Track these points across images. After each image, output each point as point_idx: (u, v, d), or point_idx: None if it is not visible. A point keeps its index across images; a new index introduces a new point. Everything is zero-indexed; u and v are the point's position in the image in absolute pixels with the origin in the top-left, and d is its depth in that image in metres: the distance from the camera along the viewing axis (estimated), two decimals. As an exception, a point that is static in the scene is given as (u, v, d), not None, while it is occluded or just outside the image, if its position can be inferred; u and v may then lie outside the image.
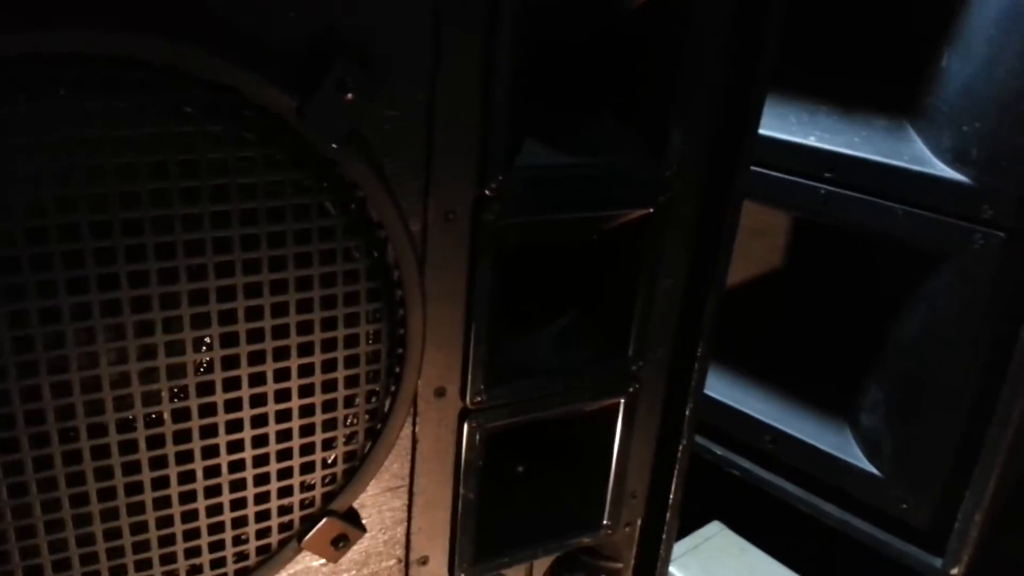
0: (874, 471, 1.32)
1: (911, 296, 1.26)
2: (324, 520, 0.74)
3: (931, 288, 1.23)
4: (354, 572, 0.82)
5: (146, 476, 0.63)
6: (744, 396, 1.48)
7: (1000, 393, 1.17)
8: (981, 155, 1.15)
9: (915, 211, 1.21)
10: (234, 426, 0.65)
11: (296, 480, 0.70)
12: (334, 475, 0.73)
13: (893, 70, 1.26)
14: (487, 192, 0.74)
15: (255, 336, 0.63)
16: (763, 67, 0.84)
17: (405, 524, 0.84)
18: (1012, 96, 1.11)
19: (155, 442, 0.62)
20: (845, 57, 1.32)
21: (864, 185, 1.26)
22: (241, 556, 0.71)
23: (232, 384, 0.64)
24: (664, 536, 1.02)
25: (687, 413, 0.96)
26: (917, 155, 1.23)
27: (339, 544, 0.77)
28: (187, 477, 0.65)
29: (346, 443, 0.72)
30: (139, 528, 0.64)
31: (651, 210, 0.85)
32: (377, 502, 0.80)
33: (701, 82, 0.83)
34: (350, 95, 0.62)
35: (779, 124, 1.35)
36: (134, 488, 0.63)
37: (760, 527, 1.52)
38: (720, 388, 1.49)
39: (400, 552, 0.85)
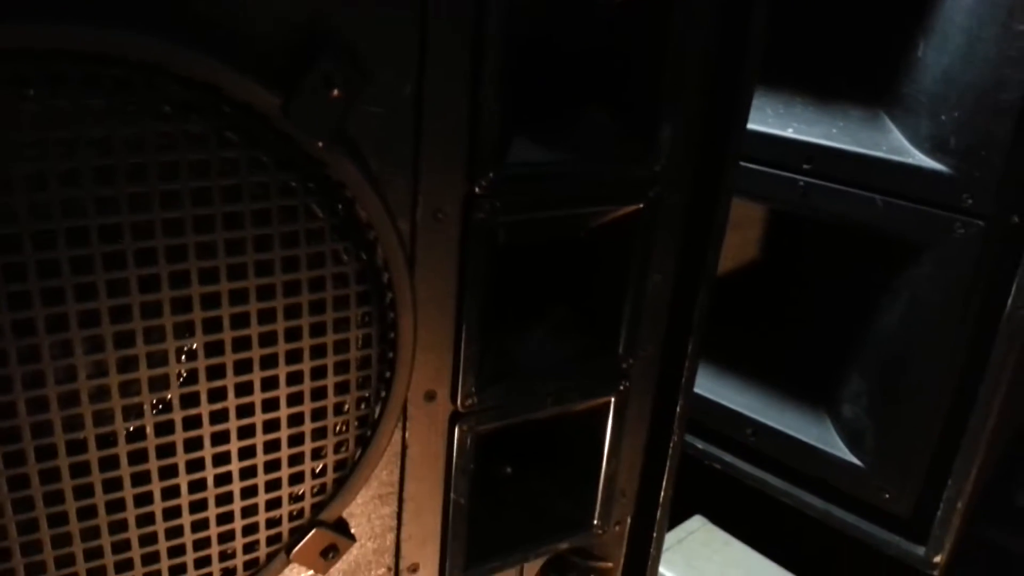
0: (856, 461, 1.32)
1: (891, 286, 1.26)
2: (313, 531, 0.72)
3: (911, 277, 1.22)
4: (343, 582, 0.80)
5: (128, 493, 0.60)
6: (724, 389, 1.48)
7: (981, 382, 1.17)
8: (959, 144, 1.14)
9: (894, 201, 1.21)
10: (220, 438, 0.62)
11: (285, 492, 0.68)
12: (323, 485, 0.71)
13: (868, 60, 1.26)
14: (477, 190, 0.72)
15: (241, 344, 0.60)
16: (751, 59, 0.82)
17: (395, 532, 0.82)
18: (989, 84, 1.10)
19: (137, 457, 0.59)
20: (820, 48, 1.31)
21: (843, 176, 1.26)
22: (228, 572, 0.68)
23: (218, 395, 0.61)
24: (655, 534, 1.01)
25: (678, 410, 0.95)
26: (895, 145, 1.22)
27: (329, 555, 0.74)
28: (171, 492, 0.62)
29: (336, 452, 0.70)
30: (121, 547, 0.61)
31: (641, 205, 0.83)
32: (366, 510, 0.78)
33: (689, 75, 0.82)
34: (336, 91, 0.59)
35: (756, 116, 1.33)
36: (116, 505, 0.60)
37: (743, 520, 1.52)
38: (700, 381, 1.48)
39: (390, 560, 0.83)
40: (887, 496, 1.29)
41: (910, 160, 1.19)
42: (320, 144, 0.60)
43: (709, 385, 1.48)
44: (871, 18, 1.25)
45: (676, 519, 1.51)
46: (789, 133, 1.30)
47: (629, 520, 1.02)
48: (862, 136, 1.25)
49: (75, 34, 0.49)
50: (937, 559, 1.26)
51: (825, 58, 1.31)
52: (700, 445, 1.50)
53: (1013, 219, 1.13)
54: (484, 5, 0.66)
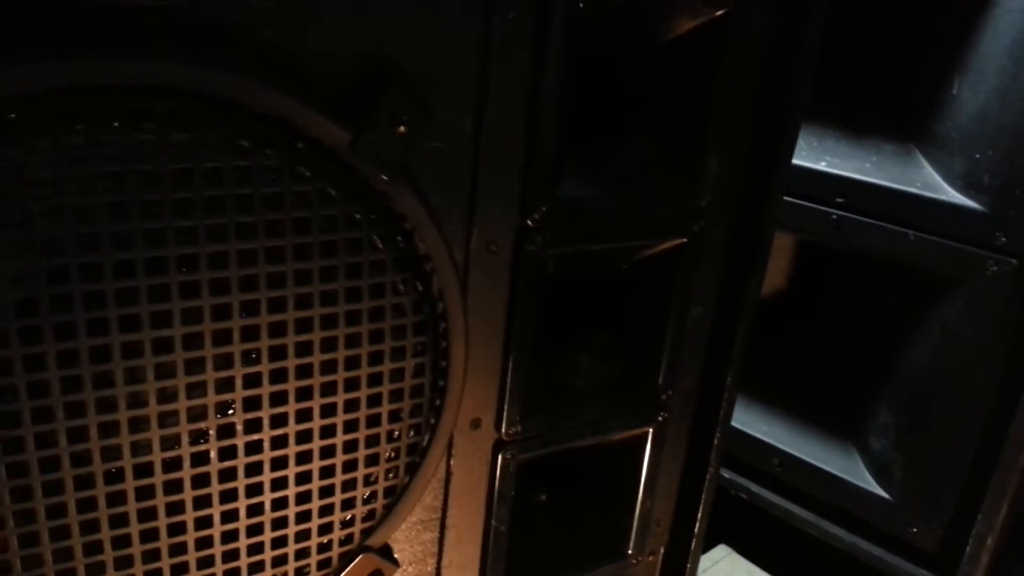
0: (883, 494, 1.32)
1: (922, 321, 1.26)
2: (361, 556, 0.73)
3: (943, 313, 1.23)
4: (384, 607, 0.80)
5: (189, 516, 0.61)
6: (752, 419, 1.48)
7: (1012, 418, 1.17)
8: (994, 182, 1.15)
9: (927, 237, 1.22)
10: (279, 463, 0.63)
11: (337, 517, 0.69)
12: (373, 511, 0.72)
13: (903, 96, 1.27)
14: (529, 222, 0.73)
15: (303, 372, 0.62)
16: (799, 96, 0.84)
17: (436, 557, 0.82)
18: (1024, 124, 1.11)
19: (200, 481, 0.60)
20: (855, 82, 1.33)
21: (876, 210, 1.27)
22: (279, 595, 0.69)
23: (279, 421, 0.62)
24: (688, 565, 1.01)
25: (715, 442, 0.95)
26: (928, 181, 1.23)
27: (373, 580, 0.75)
28: (230, 516, 0.63)
29: (386, 479, 0.71)
30: (180, 570, 0.62)
31: (685, 239, 0.84)
32: (409, 536, 0.79)
33: (735, 112, 0.83)
34: (402, 127, 0.61)
35: (790, 148, 1.35)
36: (177, 528, 0.61)
37: (767, 550, 1.51)
38: (728, 411, 1.49)
39: (430, 586, 0.83)
40: (915, 530, 1.29)
41: (943, 197, 1.20)
42: (384, 177, 0.61)
43: (736, 415, 1.47)
44: (906, 54, 1.26)
45: (701, 548, 1.51)
46: (822, 167, 1.31)
47: (662, 550, 1.03)
48: (895, 171, 1.26)
49: (161, 71, 0.51)
50: (965, 596, 1.25)
51: (859, 93, 1.32)
52: (726, 474, 1.50)
53: (1047, 258, 1.13)
54: (544, 43, 0.67)
